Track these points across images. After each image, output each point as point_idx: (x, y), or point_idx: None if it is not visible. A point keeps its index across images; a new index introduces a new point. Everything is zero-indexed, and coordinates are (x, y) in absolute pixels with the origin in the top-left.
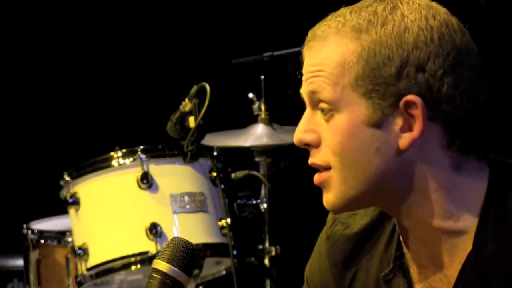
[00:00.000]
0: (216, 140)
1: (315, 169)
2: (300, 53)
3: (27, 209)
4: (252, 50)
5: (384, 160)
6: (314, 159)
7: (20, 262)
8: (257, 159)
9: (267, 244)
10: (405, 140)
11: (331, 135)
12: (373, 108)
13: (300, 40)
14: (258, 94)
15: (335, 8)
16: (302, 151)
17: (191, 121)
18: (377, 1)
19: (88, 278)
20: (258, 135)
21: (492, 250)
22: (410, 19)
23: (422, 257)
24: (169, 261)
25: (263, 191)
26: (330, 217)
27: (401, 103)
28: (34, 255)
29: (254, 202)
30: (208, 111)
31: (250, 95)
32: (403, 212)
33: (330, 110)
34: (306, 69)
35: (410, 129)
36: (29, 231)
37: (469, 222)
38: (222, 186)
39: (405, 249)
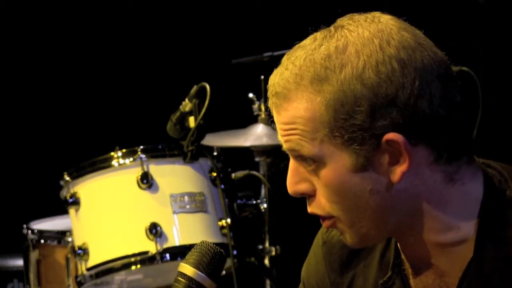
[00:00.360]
0: (216, 140)
1: None
2: None
3: (27, 209)
4: (252, 50)
5: (381, 198)
6: (314, 209)
7: (20, 262)
8: (257, 159)
9: (267, 244)
10: (395, 173)
11: (322, 186)
12: (356, 155)
13: (300, 40)
14: (258, 94)
15: (335, 8)
16: None
17: (191, 121)
18: (326, 37)
19: (88, 278)
20: (258, 135)
21: (493, 256)
22: (366, 55)
23: (421, 266)
24: (196, 266)
25: (263, 191)
26: None
27: (382, 141)
28: (34, 255)
29: (254, 202)
30: (208, 111)
31: (250, 95)
32: (405, 233)
33: (314, 163)
34: (278, 125)
35: (397, 161)
36: (29, 231)
37: (469, 230)
38: (222, 186)
39: (403, 256)
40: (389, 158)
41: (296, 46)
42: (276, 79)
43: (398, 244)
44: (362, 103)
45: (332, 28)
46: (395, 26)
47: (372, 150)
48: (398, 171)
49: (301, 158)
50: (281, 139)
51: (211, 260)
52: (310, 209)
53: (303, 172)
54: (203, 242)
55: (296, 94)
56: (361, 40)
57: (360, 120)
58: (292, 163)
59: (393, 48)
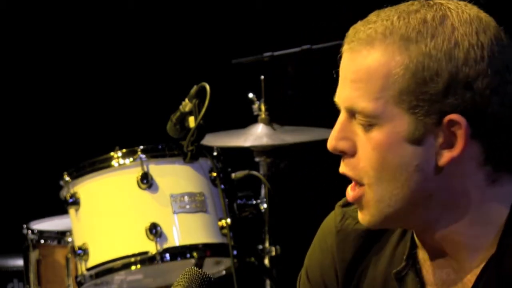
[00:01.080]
0: (216, 140)
1: (316, 170)
2: (300, 54)
3: (27, 209)
4: (252, 50)
5: (423, 178)
6: (347, 169)
7: (20, 262)
8: (257, 159)
9: (267, 244)
10: (445, 157)
11: (369, 149)
12: (415, 125)
13: (300, 40)
14: (258, 94)
15: (335, 8)
16: (302, 151)
17: (191, 121)
18: (425, 6)
19: (88, 278)
20: (258, 135)
21: None
22: (461, 33)
23: (438, 260)
24: None
25: (263, 191)
26: (338, 210)
27: (445, 120)
28: (34, 255)
29: (254, 202)
30: (208, 111)
31: (250, 95)
32: (429, 229)
33: (369, 123)
34: (345, 73)
35: (450, 146)
36: (29, 231)
37: (494, 229)
38: (222, 186)
39: (419, 249)
40: (443, 139)
41: (388, 7)
42: (362, 27)
43: (415, 236)
44: (442, 75)
45: (430, 1)
46: (493, 21)
47: (432, 125)
48: (448, 155)
49: (356, 113)
50: (341, 92)
51: (199, 286)
52: (342, 169)
53: (350, 130)
54: (191, 269)
55: (380, 45)
56: (460, 19)
57: (433, 90)
58: (342, 117)
59: (488, 38)
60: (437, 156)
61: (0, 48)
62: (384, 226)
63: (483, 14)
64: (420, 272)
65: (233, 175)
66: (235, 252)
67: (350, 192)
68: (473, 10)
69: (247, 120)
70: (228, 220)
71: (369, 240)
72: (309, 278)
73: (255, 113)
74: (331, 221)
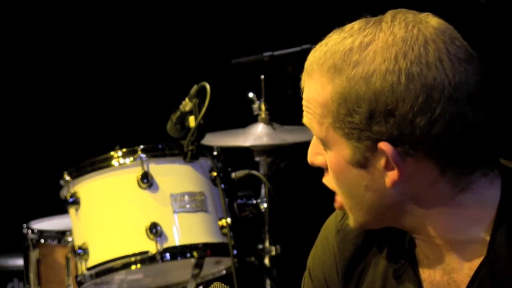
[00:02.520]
0: (216, 140)
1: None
2: (300, 53)
3: (27, 209)
4: (252, 50)
5: (376, 196)
6: (325, 181)
7: (20, 262)
8: (257, 159)
9: (267, 244)
10: (389, 178)
11: (329, 167)
12: (353, 150)
13: (300, 40)
14: (258, 94)
15: (335, 8)
16: (302, 151)
17: (191, 121)
18: (362, 28)
19: (88, 277)
20: (258, 135)
21: (506, 258)
22: (380, 60)
23: (431, 260)
24: None
25: (263, 191)
26: (339, 210)
27: (378, 146)
28: (34, 255)
29: (254, 202)
30: (208, 110)
31: (250, 95)
32: (412, 230)
33: (323, 146)
34: (304, 98)
35: (392, 168)
36: (29, 231)
37: (482, 232)
38: (222, 185)
39: (417, 248)
40: (385, 162)
41: (343, 27)
42: (312, 54)
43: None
44: (362, 105)
45: (372, 20)
46: (428, 35)
47: (368, 151)
48: (391, 177)
49: None
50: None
51: None
52: (323, 179)
53: (321, 147)
54: (217, 284)
55: (316, 76)
56: (383, 44)
57: (358, 120)
58: (314, 136)
59: (407, 61)
60: (384, 177)
61: (0, 48)
62: (369, 229)
63: (419, 30)
64: (418, 271)
65: (233, 174)
66: (235, 252)
67: (336, 201)
68: (402, 30)
69: (247, 120)
70: (228, 220)
71: (368, 239)
72: (312, 278)
73: (255, 113)
74: (332, 221)
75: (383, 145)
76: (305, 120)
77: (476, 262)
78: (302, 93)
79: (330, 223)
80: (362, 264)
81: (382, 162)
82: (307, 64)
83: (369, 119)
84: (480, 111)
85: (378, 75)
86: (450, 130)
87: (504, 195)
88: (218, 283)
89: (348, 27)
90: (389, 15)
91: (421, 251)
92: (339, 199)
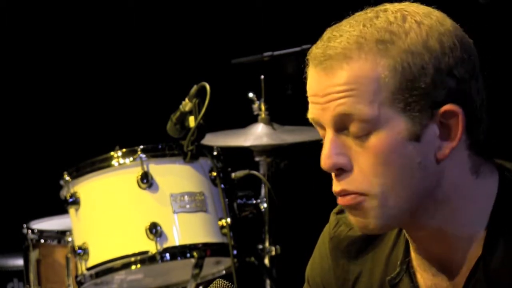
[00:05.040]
0: (216, 140)
1: (316, 170)
2: (300, 53)
3: (27, 209)
4: (252, 50)
5: (426, 174)
6: (346, 185)
7: (20, 262)
8: (257, 159)
9: (267, 244)
10: (445, 149)
11: (368, 157)
12: (412, 122)
13: (300, 40)
14: (258, 94)
15: (335, 8)
16: (302, 151)
17: (191, 121)
18: (380, 11)
19: (88, 277)
20: (258, 135)
21: (502, 257)
22: (427, 25)
23: (431, 264)
24: None
25: (263, 191)
26: (333, 217)
27: (439, 112)
28: (34, 255)
29: (254, 202)
30: (208, 111)
31: (250, 95)
32: (422, 224)
33: (366, 130)
34: (325, 91)
35: (448, 137)
36: (29, 231)
37: (481, 228)
38: (222, 186)
39: (413, 254)
40: (440, 132)
41: (340, 22)
42: (329, 44)
43: (410, 241)
44: (428, 68)
45: (379, 7)
46: (440, 13)
47: (427, 120)
48: (448, 146)
49: (347, 126)
50: (319, 112)
51: None
52: (337, 187)
53: (343, 145)
54: (219, 281)
55: (359, 54)
56: (419, 13)
57: (424, 83)
58: (330, 136)
59: (450, 26)
60: (437, 150)
61: (0, 48)
62: (383, 230)
63: (432, 9)
64: (415, 277)
65: (233, 174)
66: (235, 252)
67: (349, 198)
68: (421, 7)
69: (247, 120)
70: (228, 220)
71: (362, 246)
72: (311, 285)
73: (255, 113)
74: (326, 229)
75: (453, 107)
76: (341, 108)
77: (474, 261)
78: (307, 93)
79: (325, 231)
80: (356, 272)
81: (437, 131)
82: (331, 52)
83: (434, 82)
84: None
85: (433, 38)
86: (483, 100)
87: (501, 190)
88: (220, 280)
89: (357, 16)
90: (384, 5)
91: (418, 257)
92: (361, 198)
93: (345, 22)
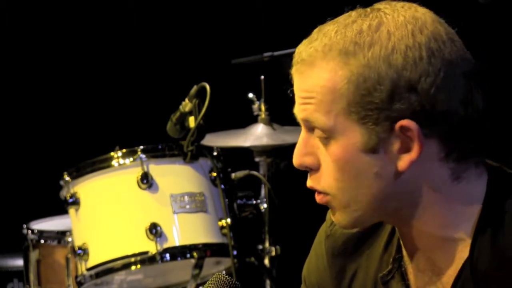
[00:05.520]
0: (216, 140)
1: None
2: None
3: (27, 209)
4: (252, 50)
5: (384, 183)
6: (313, 183)
7: (20, 262)
8: (257, 159)
9: (267, 244)
10: (403, 162)
11: (329, 161)
12: (368, 134)
13: (300, 40)
14: (258, 94)
15: (334, 8)
16: None
17: (191, 121)
18: (362, 15)
19: (88, 278)
20: (258, 135)
21: (488, 258)
22: (397, 37)
23: (420, 262)
24: None
25: (263, 191)
26: (329, 215)
27: (396, 127)
28: (34, 255)
29: (254, 202)
30: (208, 111)
31: (250, 95)
32: (403, 224)
33: (326, 136)
34: (297, 93)
35: (407, 150)
36: (29, 231)
37: (467, 230)
38: (222, 186)
39: (404, 252)
40: (399, 144)
41: (329, 21)
42: (304, 47)
43: (400, 237)
44: (384, 83)
45: (368, 9)
46: (430, 18)
47: (384, 133)
48: (407, 159)
49: (313, 129)
50: (297, 110)
51: None
52: (309, 183)
53: (312, 145)
54: (219, 275)
55: (322, 63)
56: (395, 23)
57: (378, 99)
58: (303, 134)
59: (424, 37)
60: (396, 161)
61: (0, 48)
62: (356, 227)
63: (420, 13)
64: (406, 275)
65: (233, 175)
66: (235, 252)
67: (318, 197)
68: (409, 11)
69: (247, 120)
70: (228, 220)
71: (357, 244)
72: (307, 285)
73: (255, 113)
74: (323, 227)
75: (406, 122)
76: (303, 114)
77: (461, 262)
78: (293, 87)
79: (322, 229)
80: (352, 269)
81: (396, 144)
82: (304, 55)
83: (390, 97)
84: (480, 95)
85: (398, 52)
86: (464, 108)
87: (489, 191)
88: (220, 273)
89: (341, 18)
90: (382, 3)
91: (410, 254)
92: (326, 197)
93: (329, 23)
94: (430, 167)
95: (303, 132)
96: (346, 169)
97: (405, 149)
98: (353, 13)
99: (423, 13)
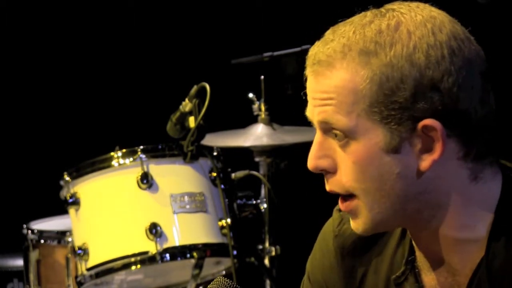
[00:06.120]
0: (216, 140)
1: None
2: (299, 54)
3: (27, 209)
4: (252, 50)
5: (406, 184)
6: (333, 186)
7: (20, 262)
8: (257, 159)
9: (267, 244)
10: (425, 162)
11: (349, 163)
12: (390, 134)
13: (300, 40)
14: (258, 94)
15: (334, 8)
16: (302, 152)
17: (191, 121)
18: (378, 15)
19: (88, 278)
20: (258, 135)
21: (504, 258)
22: (418, 36)
23: (434, 264)
24: None
25: (263, 191)
26: (336, 214)
27: (419, 126)
28: (34, 255)
29: (254, 202)
30: (208, 111)
31: (250, 95)
32: (421, 227)
33: (346, 138)
34: (313, 94)
35: (429, 150)
36: (29, 231)
37: (483, 230)
38: (222, 186)
39: (417, 253)
40: (421, 144)
41: (342, 22)
42: (321, 48)
43: (413, 240)
44: (407, 82)
45: (382, 9)
46: (446, 17)
47: (407, 133)
48: (429, 159)
49: (332, 131)
50: (311, 112)
51: None
52: (329, 187)
53: (328, 148)
54: (220, 279)
55: (342, 64)
56: (414, 22)
57: (402, 98)
58: (318, 137)
59: (444, 35)
60: (418, 161)
61: (0, 48)
62: (381, 230)
63: (436, 12)
64: (419, 276)
65: (233, 175)
66: (235, 252)
67: (342, 204)
68: (425, 11)
69: (247, 120)
70: (228, 220)
71: (367, 243)
72: (312, 282)
73: (255, 113)
74: (329, 226)
75: (431, 122)
76: (321, 116)
77: (476, 262)
78: (306, 91)
79: (328, 228)
80: (362, 270)
81: (418, 144)
82: (321, 56)
83: (413, 96)
84: (492, 95)
85: (420, 51)
86: (482, 107)
87: (504, 190)
88: (221, 277)
89: (356, 18)
90: (395, 3)
91: (422, 256)
92: (354, 201)
93: (343, 24)
94: (450, 167)
95: (318, 134)
96: (368, 170)
97: (427, 149)
98: (368, 13)
99: (439, 13)
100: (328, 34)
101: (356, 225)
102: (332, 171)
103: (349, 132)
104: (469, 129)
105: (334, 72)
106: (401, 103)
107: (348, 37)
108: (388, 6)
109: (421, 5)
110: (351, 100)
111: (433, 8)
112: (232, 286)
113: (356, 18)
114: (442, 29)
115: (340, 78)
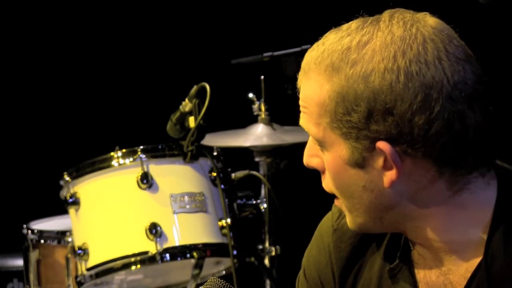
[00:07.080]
0: (216, 140)
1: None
2: (299, 54)
3: (27, 209)
4: (252, 50)
5: (374, 197)
6: (324, 184)
7: (20, 262)
8: (257, 159)
9: (267, 244)
10: (387, 178)
11: (326, 168)
12: (351, 150)
13: (300, 40)
14: (258, 94)
15: (335, 8)
16: (302, 152)
17: (191, 121)
18: (359, 28)
19: (88, 278)
20: (258, 135)
21: (502, 260)
22: (378, 58)
23: (428, 261)
24: None
25: (263, 191)
26: (335, 209)
27: (376, 146)
28: (34, 255)
29: (254, 202)
30: (208, 111)
31: (250, 95)
32: (409, 232)
33: (319, 145)
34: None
35: (390, 168)
36: (29, 231)
37: (478, 233)
38: (222, 186)
39: (411, 248)
40: (383, 162)
41: (339, 27)
42: (308, 53)
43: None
44: (361, 104)
45: (370, 19)
46: (427, 34)
47: (366, 151)
48: (389, 177)
49: None
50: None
51: None
52: (323, 183)
53: (317, 149)
54: (213, 279)
55: (313, 75)
56: (381, 43)
57: (355, 119)
58: (310, 136)
59: (405, 60)
60: (382, 177)
61: (0, 48)
62: (367, 231)
63: (417, 29)
64: (413, 271)
65: (233, 175)
66: (235, 252)
67: (335, 200)
68: (400, 29)
69: (247, 120)
70: (228, 220)
71: (365, 238)
72: (307, 277)
73: (255, 113)
74: (328, 220)
75: (382, 144)
76: (301, 121)
77: (473, 264)
78: (299, 93)
79: (326, 222)
80: (358, 263)
81: (380, 161)
82: (304, 63)
83: (367, 118)
84: (478, 111)
85: (376, 74)
86: (448, 129)
87: (500, 196)
88: (214, 278)
89: (345, 26)
90: (386, 14)
91: (417, 252)
92: (338, 200)
93: (336, 30)
94: (422, 183)
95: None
96: (338, 179)
97: (389, 167)
98: (354, 24)
99: (422, 29)
100: (322, 37)
101: (347, 222)
102: (322, 171)
103: (319, 142)
104: (437, 150)
105: (309, 81)
106: (356, 123)
107: (324, 48)
108: (382, 15)
109: (412, 18)
110: (318, 112)
111: (423, 22)
112: (225, 286)
113: (344, 27)
114: (406, 53)
115: (310, 88)
